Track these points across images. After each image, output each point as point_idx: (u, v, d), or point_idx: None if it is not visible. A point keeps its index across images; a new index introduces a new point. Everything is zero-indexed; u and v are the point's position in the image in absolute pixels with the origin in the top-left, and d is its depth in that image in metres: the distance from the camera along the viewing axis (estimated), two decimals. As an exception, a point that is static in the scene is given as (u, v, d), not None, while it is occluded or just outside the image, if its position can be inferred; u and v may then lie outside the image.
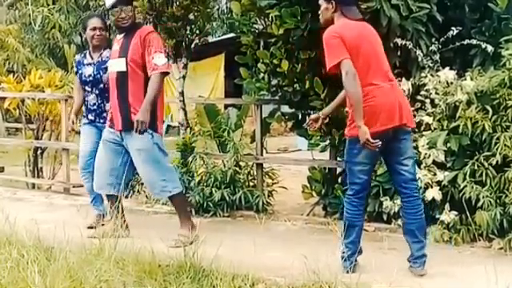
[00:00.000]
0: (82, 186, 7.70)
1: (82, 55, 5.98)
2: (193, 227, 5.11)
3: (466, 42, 5.28)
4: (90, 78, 5.74)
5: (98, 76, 5.69)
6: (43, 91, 8.36)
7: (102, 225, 5.61)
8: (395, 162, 4.24)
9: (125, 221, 5.16)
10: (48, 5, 16.84)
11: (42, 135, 8.38)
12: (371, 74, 4.10)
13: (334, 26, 4.21)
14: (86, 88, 5.83)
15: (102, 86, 5.69)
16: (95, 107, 5.74)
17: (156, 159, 5.11)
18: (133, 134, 4.98)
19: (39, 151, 8.47)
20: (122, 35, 5.19)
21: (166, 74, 5.10)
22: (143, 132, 4.91)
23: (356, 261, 4.26)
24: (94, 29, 5.72)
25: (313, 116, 4.76)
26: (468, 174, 4.96)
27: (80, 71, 5.85)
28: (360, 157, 4.16)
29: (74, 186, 7.61)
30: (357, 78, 4.01)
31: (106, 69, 5.45)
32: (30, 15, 16.18)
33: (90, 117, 5.81)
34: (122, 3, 5.15)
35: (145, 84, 5.03)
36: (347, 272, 4.12)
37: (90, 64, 5.79)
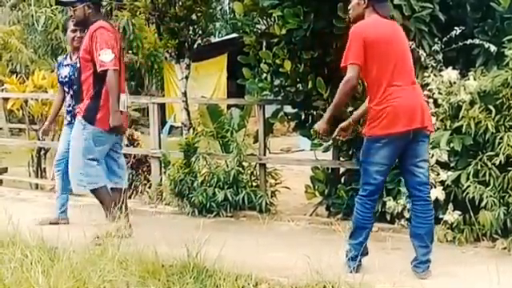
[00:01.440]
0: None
1: (64, 56, 6.05)
2: (115, 219, 5.08)
3: (468, 41, 5.27)
4: (66, 79, 5.79)
5: (73, 77, 5.72)
6: (46, 92, 8.38)
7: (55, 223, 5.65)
8: (411, 164, 4.20)
9: (128, 220, 5.16)
10: (51, 5, 16.83)
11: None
12: (395, 75, 4.08)
13: (362, 23, 4.19)
14: (65, 89, 5.89)
15: (76, 87, 5.68)
16: (71, 108, 5.73)
17: (79, 150, 5.14)
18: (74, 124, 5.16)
19: (42, 152, 8.48)
20: (85, 32, 5.28)
21: (117, 70, 5.01)
22: (123, 134, 5.00)
23: (360, 261, 4.25)
24: (75, 31, 5.71)
25: (343, 124, 4.58)
26: (471, 173, 4.95)
27: (59, 72, 5.92)
28: (377, 157, 4.13)
29: (77, 187, 7.60)
30: (352, 90, 4.14)
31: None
32: (32, 16, 16.19)
33: (68, 118, 5.84)
34: (67, 3, 5.36)
35: (94, 79, 5.08)
36: (351, 272, 4.11)
37: (68, 65, 5.82)
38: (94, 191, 5.23)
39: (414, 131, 4.09)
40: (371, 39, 4.05)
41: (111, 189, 5.36)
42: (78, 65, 5.26)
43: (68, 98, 5.83)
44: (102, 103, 5.10)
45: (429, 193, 4.29)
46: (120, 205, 5.14)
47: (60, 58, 6.11)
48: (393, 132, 4.04)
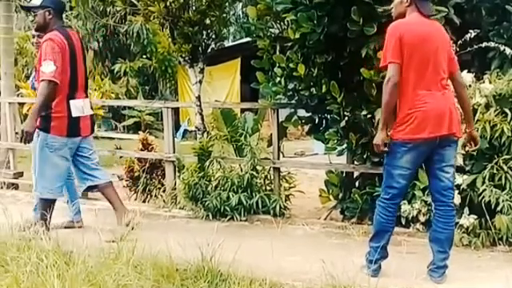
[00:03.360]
0: (99, 190, 7.75)
1: None
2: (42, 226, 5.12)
3: (484, 44, 5.24)
4: (31, 84, 5.86)
5: (31, 83, 5.79)
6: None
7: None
8: (437, 168, 4.17)
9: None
10: (66, 11, 16.97)
11: (60, 140, 8.42)
12: (427, 78, 4.02)
13: (400, 22, 4.14)
14: None
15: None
16: None
17: (38, 157, 5.31)
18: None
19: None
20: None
21: (54, 82, 5.08)
22: (29, 141, 5.13)
23: (380, 264, 4.24)
24: (33, 36, 5.78)
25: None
26: (487, 177, 4.92)
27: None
28: (402, 161, 4.09)
29: (92, 191, 7.63)
30: (395, 88, 3.99)
31: None
32: (47, 21, 16.34)
33: None
34: (29, 8, 5.54)
35: None
36: (372, 275, 4.10)
37: (36, 71, 5.91)
38: (40, 198, 5.39)
39: (441, 137, 4.04)
40: (406, 39, 3.99)
41: (96, 186, 5.56)
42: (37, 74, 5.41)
43: None
44: (54, 112, 5.21)
45: (453, 198, 4.24)
46: (114, 196, 5.47)
47: None
48: (419, 137, 4.00)
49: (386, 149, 4.09)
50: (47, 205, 5.33)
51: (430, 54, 4.05)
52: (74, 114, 5.29)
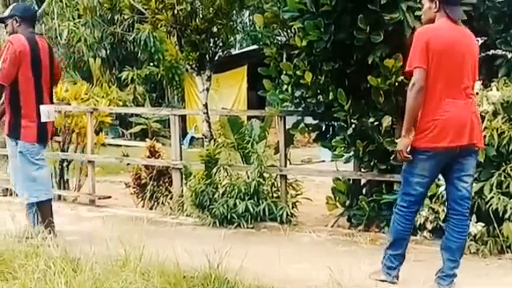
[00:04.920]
0: (107, 197, 7.77)
1: None
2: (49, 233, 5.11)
3: (491, 52, 5.24)
4: None
5: None
6: (69, 104, 8.47)
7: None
8: (455, 177, 4.14)
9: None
10: (74, 19, 17.10)
11: (68, 147, 8.47)
12: (450, 86, 3.98)
13: (427, 27, 4.11)
14: None
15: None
16: None
17: (20, 165, 5.34)
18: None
19: (65, 163, 8.56)
20: None
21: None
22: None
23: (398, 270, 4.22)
24: None
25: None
26: (495, 185, 4.90)
27: None
28: (420, 169, 4.07)
29: (99, 198, 7.67)
30: (421, 93, 3.94)
31: None
32: (56, 29, 16.44)
33: None
34: (1, 19, 5.73)
35: (11, 92, 5.24)
36: (391, 282, 4.09)
37: None
38: (36, 203, 5.39)
39: (461, 147, 4.01)
40: (432, 44, 3.95)
41: None
42: None
43: None
44: (23, 118, 5.28)
45: (468, 208, 4.20)
46: None
47: None
48: (439, 146, 3.97)
49: (410, 156, 4.03)
50: (47, 209, 5.38)
51: (457, 60, 4.01)
52: (43, 119, 5.35)
